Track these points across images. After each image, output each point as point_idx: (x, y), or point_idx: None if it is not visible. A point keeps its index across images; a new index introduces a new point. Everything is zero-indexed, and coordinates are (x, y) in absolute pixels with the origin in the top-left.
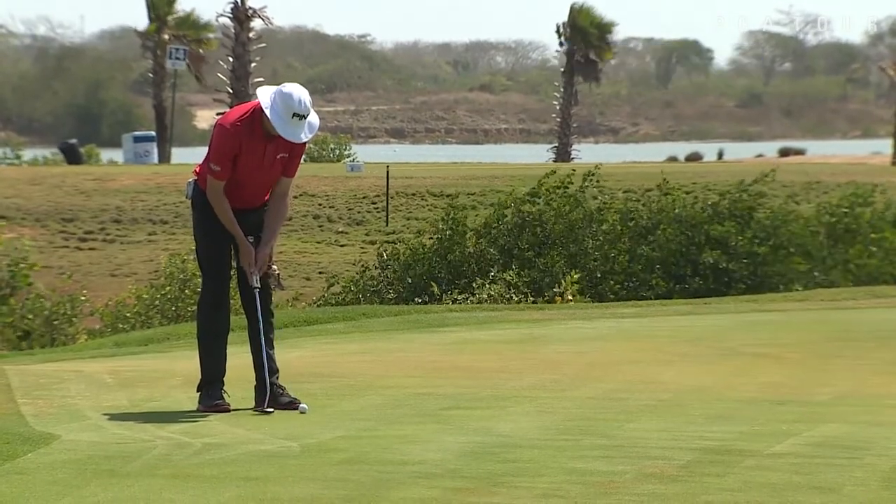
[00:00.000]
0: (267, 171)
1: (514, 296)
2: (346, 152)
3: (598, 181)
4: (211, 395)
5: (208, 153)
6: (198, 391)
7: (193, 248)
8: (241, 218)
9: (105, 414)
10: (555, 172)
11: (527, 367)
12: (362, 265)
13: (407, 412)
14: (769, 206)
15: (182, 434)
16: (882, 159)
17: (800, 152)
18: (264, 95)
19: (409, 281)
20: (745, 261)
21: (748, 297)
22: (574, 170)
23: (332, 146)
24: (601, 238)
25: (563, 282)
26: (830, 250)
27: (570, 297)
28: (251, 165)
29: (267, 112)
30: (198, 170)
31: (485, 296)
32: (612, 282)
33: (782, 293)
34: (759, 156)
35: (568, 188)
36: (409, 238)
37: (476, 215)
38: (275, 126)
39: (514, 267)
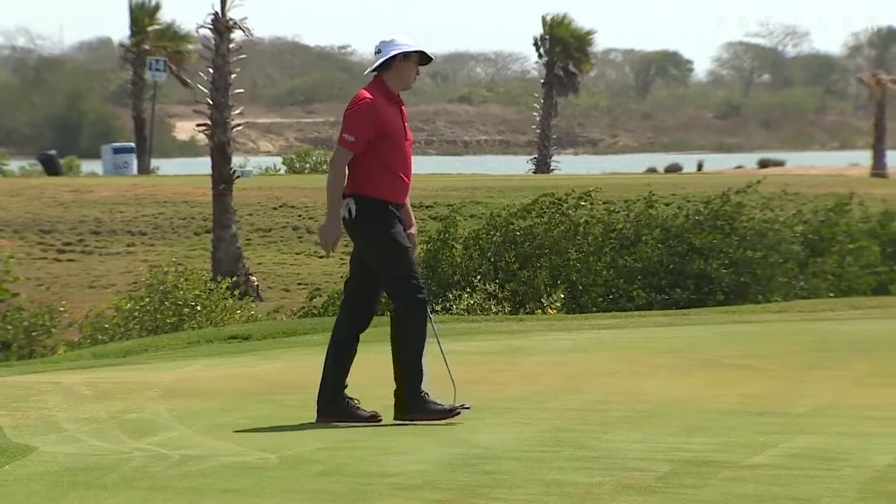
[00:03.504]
0: (408, 143)
1: (493, 307)
2: None
3: (591, 204)
4: (431, 401)
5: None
6: (407, 404)
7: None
8: (404, 212)
9: (82, 426)
10: (553, 194)
11: (506, 378)
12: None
13: (385, 423)
14: (750, 216)
15: (159, 446)
16: (860, 170)
17: (779, 164)
18: (391, 48)
19: None
20: (731, 269)
21: (727, 308)
22: (573, 190)
23: (326, 157)
24: (584, 250)
25: (546, 297)
26: (809, 259)
27: (550, 311)
28: (399, 135)
29: (408, 48)
30: (349, 186)
31: (463, 306)
32: (594, 293)
33: (761, 304)
34: (739, 167)
35: (562, 206)
36: None
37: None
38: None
39: (497, 280)
